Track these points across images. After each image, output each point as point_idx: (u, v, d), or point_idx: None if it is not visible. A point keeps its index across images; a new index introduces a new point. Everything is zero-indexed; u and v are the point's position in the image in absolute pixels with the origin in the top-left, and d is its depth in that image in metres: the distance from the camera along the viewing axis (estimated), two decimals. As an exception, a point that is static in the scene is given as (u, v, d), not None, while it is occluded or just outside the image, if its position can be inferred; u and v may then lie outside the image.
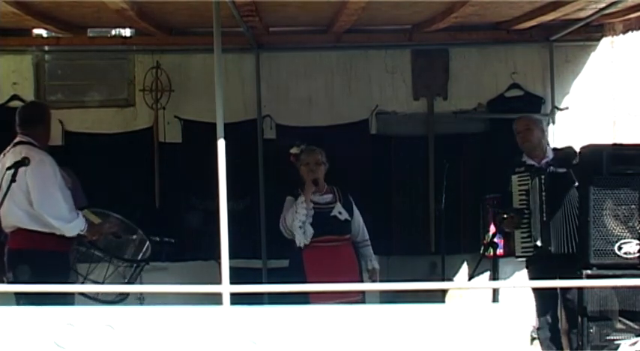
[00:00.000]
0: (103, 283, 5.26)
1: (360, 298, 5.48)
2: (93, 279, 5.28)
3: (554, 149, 5.81)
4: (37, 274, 4.94)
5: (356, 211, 5.76)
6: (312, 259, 5.56)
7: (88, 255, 5.26)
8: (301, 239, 5.51)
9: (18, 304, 4.90)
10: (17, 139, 5.33)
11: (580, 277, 4.97)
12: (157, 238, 6.26)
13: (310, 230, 5.51)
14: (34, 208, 5.10)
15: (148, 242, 5.63)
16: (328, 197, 5.68)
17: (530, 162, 5.69)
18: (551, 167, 5.51)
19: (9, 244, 5.28)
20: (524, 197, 5.58)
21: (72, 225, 5.14)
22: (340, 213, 5.63)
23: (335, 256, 5.58)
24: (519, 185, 5.63)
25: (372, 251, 5.80)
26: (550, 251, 5.40)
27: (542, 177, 5.44)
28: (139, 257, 5.58)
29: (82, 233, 5.19)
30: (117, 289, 5.38)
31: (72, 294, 5.07)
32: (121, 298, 5.38)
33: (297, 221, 5.52)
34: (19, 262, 5.13)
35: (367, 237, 5.78)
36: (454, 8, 5.62)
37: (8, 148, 5.32)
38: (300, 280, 5.20)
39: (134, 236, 5.64)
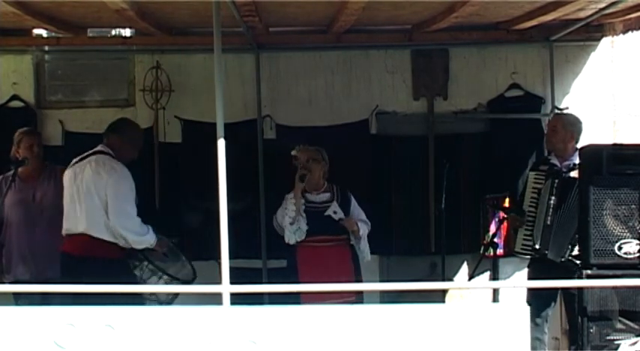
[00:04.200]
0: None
1: (354, 299, 5.40)
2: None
3: None
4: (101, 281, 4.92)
5: (355, 209, 5.73)
6: (304, 258, 5.60)
7: (141, 268, 5.34)
8: (290, 236, 5.53)
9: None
10: (98, 148, 5.42)
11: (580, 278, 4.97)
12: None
13: (303, 229, 5.52)
14: (109, 218, 5.17)
15: (190, 266, 5.71)
16: (325, 196, 5.67)
17: (554, 161, 5.67)
18: (571, 172, 5.46)
19: (65, 249, 5.30)
20: (535, 196, 5.57)
21: (143, 238, 5.27)
22: (335, 212, 5.61)
23: (328, 256, 5.57)
24: (534, 183, 5.64)
25: (365, 244, 5.71)
26: (546, 255, 5.41)
27: (556, 180, 5.42)
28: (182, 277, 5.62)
29: (150, 247, 5.30)
30: (118, 289, 5.37)
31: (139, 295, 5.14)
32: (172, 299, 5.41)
33: (288, 217, 5.54)
34: (79, 268, 5.13)
35: (365, 236, 5.69)
36: (454, 8, 5.62)
37: (87, 155, 5.39)
38: (294, 280, 5.24)
39: (178, 262, 5.73)
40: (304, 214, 5.57)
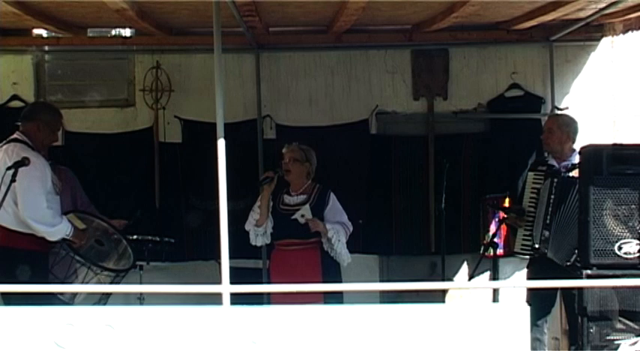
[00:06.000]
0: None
1: (322, 302, 5.02)
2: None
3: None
4: (16, 273, 4.92)
5: (330, 211, 5.54)
6: (274, 261, 5.65)
7: (67, 260, 5.17)
8: (255, 239, 5.58)
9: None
10: (13, 136, 5.28)
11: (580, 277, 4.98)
12: (157, 238, 6.27)
13: (269, 232, 5.55)
14: (18, 209, 5.08)
15: (130, 252, 5.54)
16: (301, 198, 5.59)
17: (552, 162, 5.67)
18: (569, 173, 5.45)
19: None
20: (534, 196, 5.57)
21: (55, 229, 5.10)
22: (303, 216, 5.49)
23: (295, 259, 5.52)
24: (533, 183, 5.64)
25: (342, 247, 5.50)
26: (545, 255, 5.40)
27: (555, 180, 5.42)
28: (120, 266, 5.46)
29: (67, 238, 5.15)
30: (119, 289, 5.36)
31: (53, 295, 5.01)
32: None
33: (252, 219, 5.56)
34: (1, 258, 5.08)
35: (339, 238, 5.47)
36: (454, 8, 5.62)
37: (2, 144, 5.27)
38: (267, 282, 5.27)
39: (118, 247, 5.55)
40: (272, 218, 5.55)
